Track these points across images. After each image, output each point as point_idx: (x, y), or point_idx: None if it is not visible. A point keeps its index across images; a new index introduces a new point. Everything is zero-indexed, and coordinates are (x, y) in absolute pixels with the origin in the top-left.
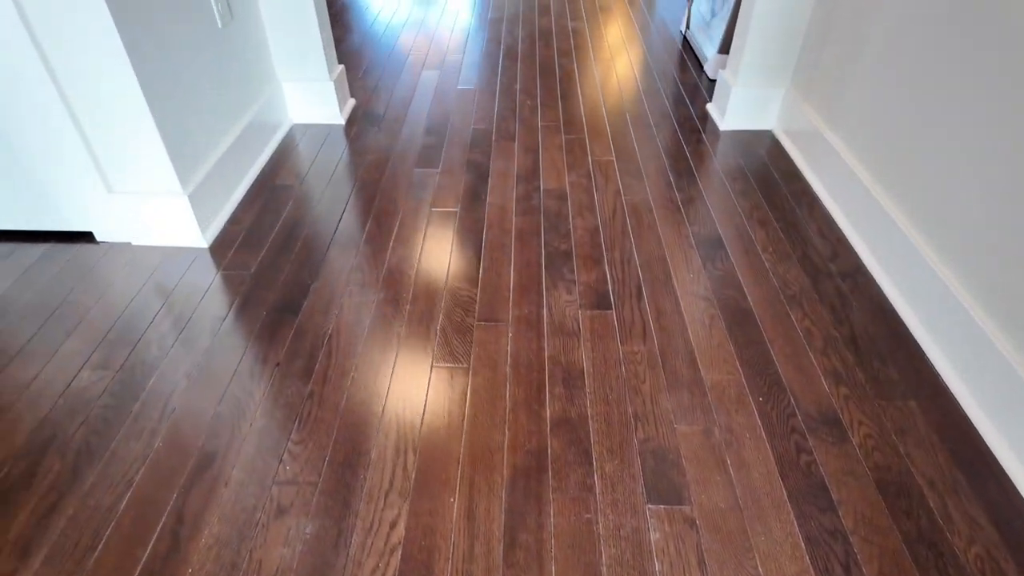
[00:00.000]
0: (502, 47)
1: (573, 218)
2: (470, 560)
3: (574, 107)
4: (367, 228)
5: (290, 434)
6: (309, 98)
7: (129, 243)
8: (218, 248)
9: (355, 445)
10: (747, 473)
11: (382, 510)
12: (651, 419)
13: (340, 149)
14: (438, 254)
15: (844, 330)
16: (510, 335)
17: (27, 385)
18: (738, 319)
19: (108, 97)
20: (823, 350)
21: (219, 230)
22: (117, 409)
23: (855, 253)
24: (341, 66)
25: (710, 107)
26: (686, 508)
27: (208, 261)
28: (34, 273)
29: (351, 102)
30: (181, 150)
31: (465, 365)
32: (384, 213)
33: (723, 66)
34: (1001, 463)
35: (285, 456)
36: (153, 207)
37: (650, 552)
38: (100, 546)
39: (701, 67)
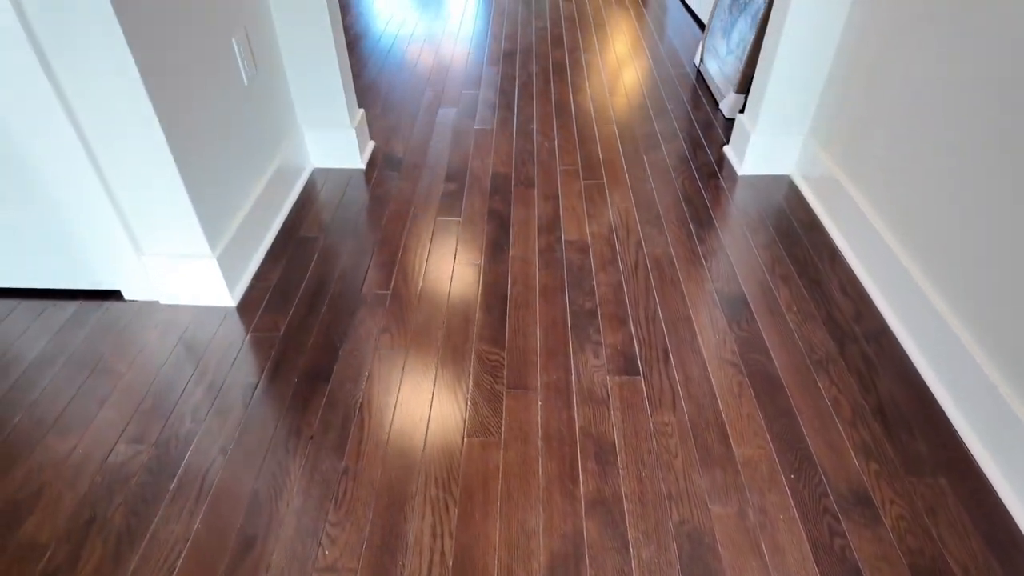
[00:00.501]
0: (517, 82)
1: (596, 272)
2: None
3: (591, 149)
4: (393, 284)
5: (327, 514)
6: (330, 144)
7: (157, 301)
8: (246, 307)
9: (392, 527)
10: (782, 559)
11: None
12: (685, 499)
13: (362, 197)
14: (464, 312)
15: (871, 399)
16: (540, 404)
17: (65, 459)
18: (766, 387)
19: (138, 161)
20: (852, 421)
21: (246, 287)
22: (154, 487)
23: (879, 313)
24: (361, 111)
25: (727, 150)
26: None
27: (236, 321)
28: (66, 335)
29: (371, 144)
30: (210, 212)
31: (496, 438)
32: (409, 268)
33: (740, 106)
34: None
35: (324, 539)
36: (182, 269)
37: None
38: None
39: (715, 102)
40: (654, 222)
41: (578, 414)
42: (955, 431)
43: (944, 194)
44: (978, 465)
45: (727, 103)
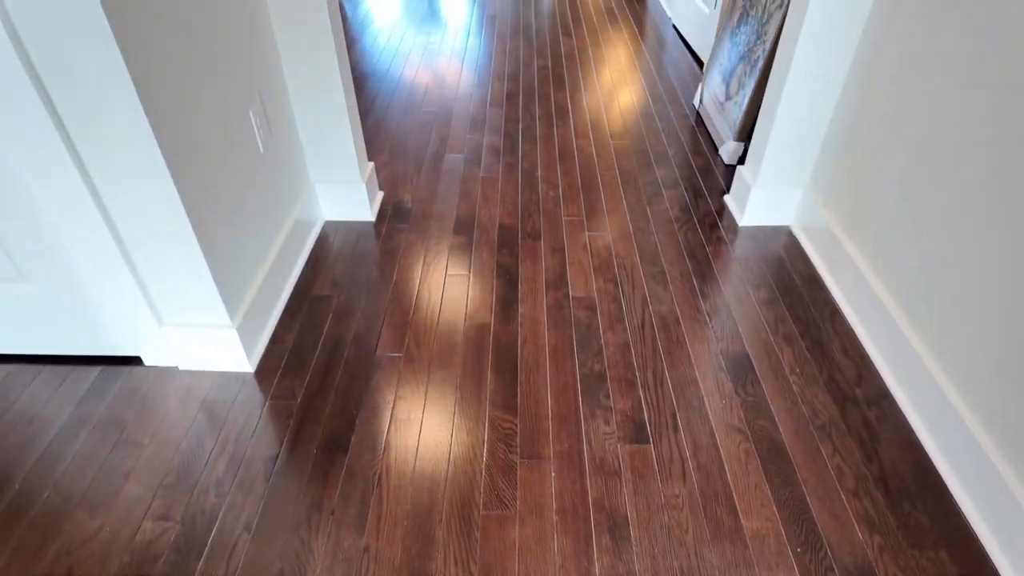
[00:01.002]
0: (520, 125)
1: (604, 332)
2: None
3: (595, 197)
4: (406, 346)
5: None
6: (341, 197)
7: (176, 367)
8: (263, 372)
9: None
10: None
11: None
12: None
13: (373, 251)
14: (476, 376)
15: (874, 468)
16: (553, 475)
17: (94, 537)
18: (772, 455)
19: (160, 235)
20: (855, 491)
21: (263, 351)
22: (182, 567)
23: (879, 376)
24: (371, 164)
25: (728, 200)
26: None
27: (255, 388)
28: (89, 403)
29: (380, 195)
30: (229, 282)
31: (512, 512)
32: (420, 329)
33: (740, 154)
34: None
35: None
36: (202, 338)
37: None
38: None
39: (715, 147)
40: (658, 277)
41: (591, 486)
42: (955, 502)
43: (943, 260)
44: (979, 539)
45: (727, 150)
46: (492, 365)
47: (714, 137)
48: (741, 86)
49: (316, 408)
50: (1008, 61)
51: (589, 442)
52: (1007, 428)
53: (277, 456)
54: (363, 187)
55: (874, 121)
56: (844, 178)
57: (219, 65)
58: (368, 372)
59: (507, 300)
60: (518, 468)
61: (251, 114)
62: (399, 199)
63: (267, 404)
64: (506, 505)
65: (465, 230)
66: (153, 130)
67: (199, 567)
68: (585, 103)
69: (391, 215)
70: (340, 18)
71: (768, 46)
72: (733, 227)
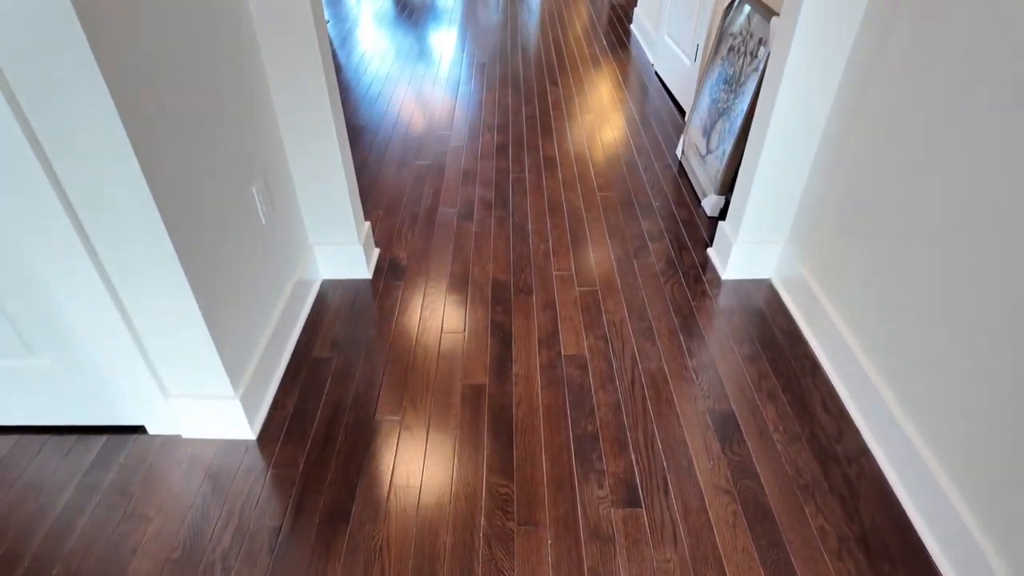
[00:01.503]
0: (511, 177)
1: (596, 391)
2: None
3: (584, 251)
4: (403, 409)
5: None
6: (339, 257)
7: (180, 435)
8: (265, 439)
9: None
10: None
11: None
12: None
13: (370, 310)
14: (473, 439)
15: (855, 527)
16: (549, 543)
17: None
18: (759, 516)
19: (165, 310)
20: (837, 552)
21: (264, 417)
22: None
23: (858, 432)
24: (367, 223)
25: (711, 253)
26: None
27: (257, 456)
28: (95, 473)
29: (376, 252)
30: (232, 354)
31: None
32: (417, 392)
33: (721, 206)
34: None
35: None
36: (205, 407)
37: None
38: None
39: (698, 199)
40: (647, 333)
41: (586, 553)
42: (933, 562)
43: (915, 322)
44: None
45: (709, 202)
46: (488, 427)
47: (696, 189)
48: (721, 141)
49: (318, 476)
50: (979, 131)
51: (584, 507)
52: (979, 491)
53: (280, 527)
54: (360, 248)
55: (847, 183)
56: (820, 236)
57: (223, 147)
58: (368, 437)
59: (502, 359)
60: (515, 536)
61: (254, 190)
62: (395, 255)
63: (270, 473)
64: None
65: (459, 286)
66: (159, 211)
67: None
68: (572, 153)
69: (387, 272)
70: (337, 89)
71: (745, 106)
72: (716, 280)
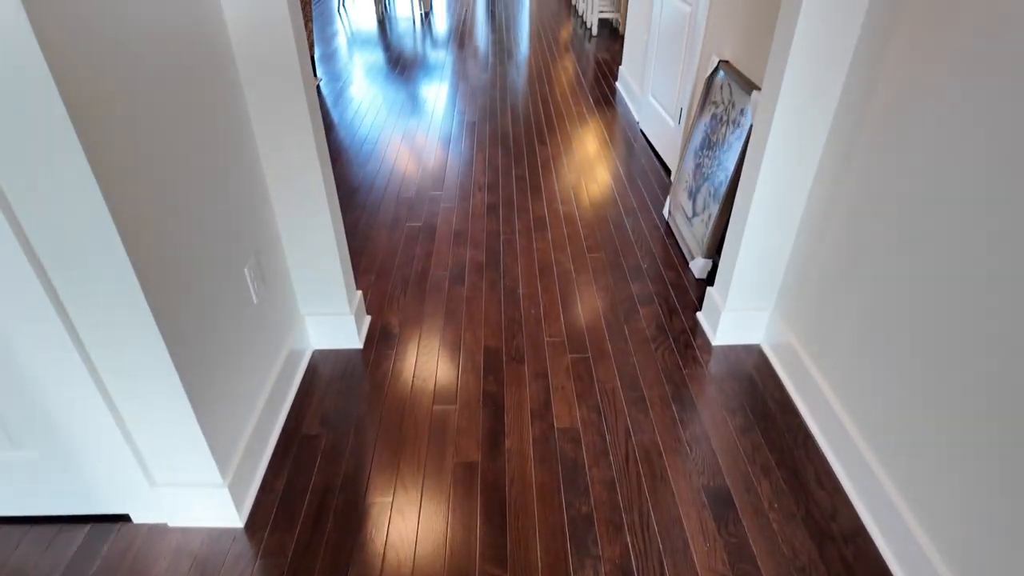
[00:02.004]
0: (501, 239)
1: (589, 468)
2: None
3: (575, 316)
4: (394, 490)
5: None
6: (330, 328)
7: (166, 524)
8: (253, 526)
9: None
10: None
11: None
12: None
13: (361, 383)
14: (466, 523)
15: None
16: None
17: None
18: None
19: (152, 399)
20: None
21: (252, 502)
22: None
23: (854, 510)
24: (359, 293)
25: (701, 317)
26: None
27: (245, 544)
28: (79, 565)
29: (367, 319)
30: (220, 439)
31: None
32: (409, 470)
33: (708, 269)
34: None
35: None
36: (192, 495)
37: None
38: None
39: (685, 260)
40: (639, 403)
41: None
42: None
43: (906, 396)
44: None
45: (697, 265)
46: (481, 509)
47: (684, 250)
48: (706, 206)
49: (307, 567)
50: (965, 197)
51: None
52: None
53: None
54: (351, 318)
55: (831, 254)
56: (806, 306)
57: (216, 231)
58: (358, 521)
59: (494, 433)
60: None
61: (246, 270)
62: (386, 322)
63: (258, 562)
64: None
65: (451, 354)
66: (148, 303)
67: None
68: (562, 213)
69: (379, 340)
70: (329, 163)
71: (729, 173)
72: (707, 346)
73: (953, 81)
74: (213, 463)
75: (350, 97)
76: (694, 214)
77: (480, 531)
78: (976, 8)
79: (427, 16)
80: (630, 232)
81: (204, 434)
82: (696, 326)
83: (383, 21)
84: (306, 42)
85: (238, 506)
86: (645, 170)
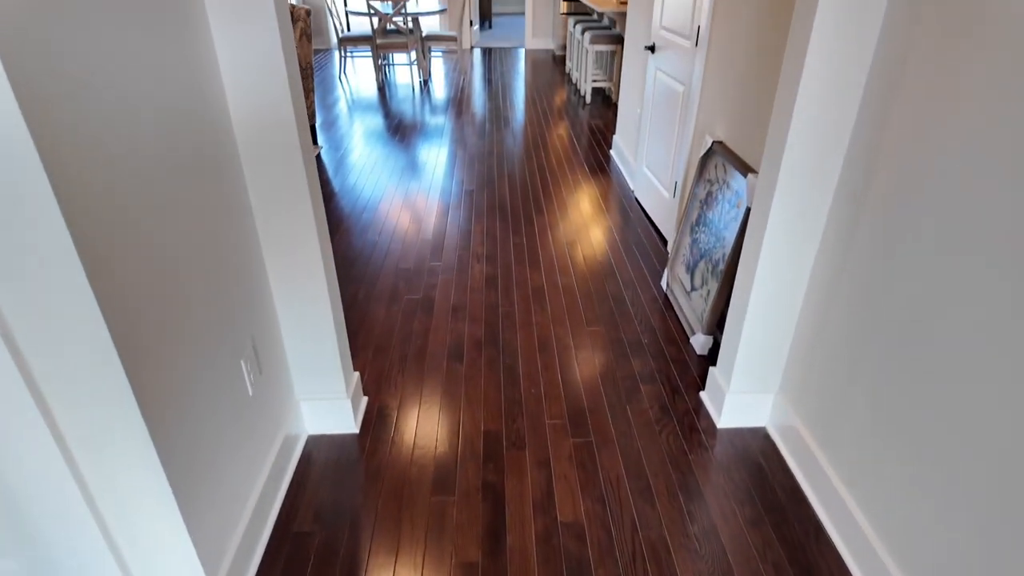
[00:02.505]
0: (500, 312)
1: (595, 568)
2: None
3: (575, 394)
4: None
5: None
6: (326, 412)
7: None
8: None
9: None
10: None
11: None
12: None
13: (356, 473)
14: None
15: None
16: None
17: None
18: None
19: (140, 505)
20: None
21: None
22: None
23: None
24: (356, 374)
25: (704, 397)
26: None
27: None
28: None
29: (364, 401)
30: (210, 545)
31: None
32: (407, 570)
33: (709, 345)
34: None
35: None
36: None
37: None
38: None
39: (686, 334)
40: (645, 493)
41: None
42: None
43: (919, 487)
44: None
45: (697, 341)
46: None
47: (684, 324)
48: (704, 281)
49: None
50: (971, 282)
51: None
52: None
53: None
54: (348, 402)
55: (835, 338)
56: (812, 390)
57: (213, 324)
58: None
59: (494, 529)
60: None
61: (242, 363)
62: (383, 403)
63: None
64: None
65: (450, 439)
66: (136, 398)
67: None
68: (560, 285)
69: (375, 423)
70: (331, 248)
71: (727, 252)
72: (712, 429)
73: (954, 162)
74: (201, 571)
75: (351, 165)
76: (693, 288)
77: None
78: (977, 90)
79: (426, 83)
80: (629, 304)
81: (192, 539)
82: (700, 406)
83: (383, 88)
84: (306, 120)
85: None
86: (642, 239)
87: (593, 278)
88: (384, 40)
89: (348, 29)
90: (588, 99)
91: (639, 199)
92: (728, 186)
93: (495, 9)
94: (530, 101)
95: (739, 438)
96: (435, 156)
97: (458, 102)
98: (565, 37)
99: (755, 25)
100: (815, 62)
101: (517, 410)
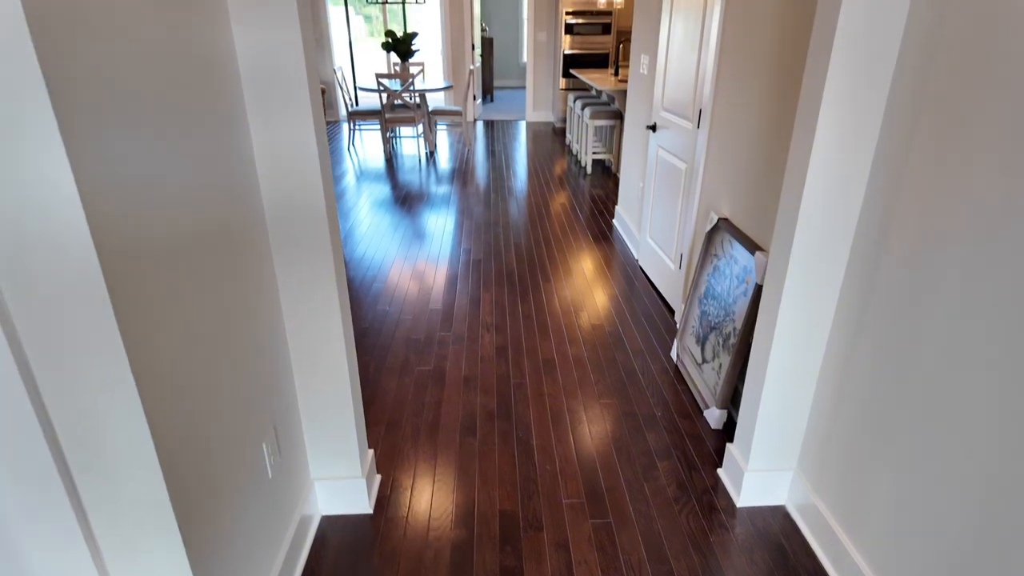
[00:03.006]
0: (512, 383)
1: None
2: None
3: (592, 471)
4: None
5: None
6: (340, 492)
7: None
8: None
9: None
10: None
11: None
12: None
13: (370, 558)
14: None
15: None
16: None
17: None
18: None
19: None
20: None
21: None
22: None
23: None
24: (371, 452)
25: (722, 475)
26: None
27: None
28: None
29: (377, 479)
30: None
31: None
32: None
33: (724, 419)
34: None
35: None
36: None
37: None
38: None
39: (698, 406)
40: None
41: None
42: None
43: (948, 569)
44: None
45: (712, 416)
46: None
47: (697, 397)
48: (716, 354)
49: None
50: (989, 357)
51: None
52: None
53: None
54: (363, 481)
55: (853, 413)
56: (832, 468)
57: (238, 406)
58: None
59: None
60: None
61: (264, 446)
62: (397, 481)
63: None
64: None
65: (465, 521)
66: (167, 488)
67: None
68: (570, 355)
69: (389, 503)
70: (352, 331)
71: (738, 326)
72: (731, 508)
73: (965, 238)
74: None
75: (360, 236)
76: (704, 360)
77: None
78: (988, 168)
79: (432, 154)
80: (640, 376)
81: None
82: (718, 484)
83: (391, 159)
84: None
85: None
86: (649, 309)
87: (603, 348)
88: (392, 115)
89: (357, 103)
90: (589, 169)
91: (644, 268)
92: (735, 260)
93: (496, 83)
94: (532, 171)
95: (759, 518)
96: (442, 225)
97: (463, 173)
98: (565, 110)
99: (756, 108)
100: (822, 150)
101: (533, 488)
